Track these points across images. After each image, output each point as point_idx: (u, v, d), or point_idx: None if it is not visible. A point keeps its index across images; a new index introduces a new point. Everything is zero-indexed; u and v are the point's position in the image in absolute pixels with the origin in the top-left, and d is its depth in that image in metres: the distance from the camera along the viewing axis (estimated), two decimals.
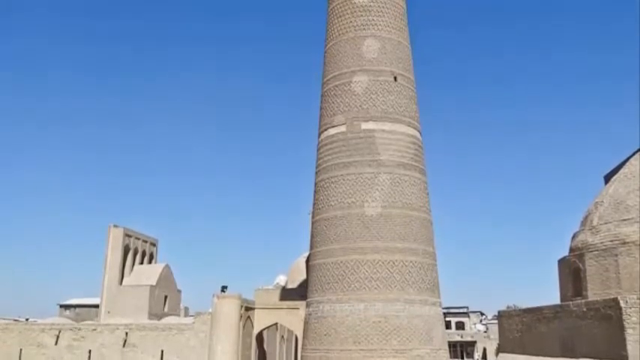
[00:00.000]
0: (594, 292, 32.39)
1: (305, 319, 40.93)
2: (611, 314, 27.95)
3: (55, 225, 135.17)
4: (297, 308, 46.10)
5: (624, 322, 27.03)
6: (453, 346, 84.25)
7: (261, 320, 49.46)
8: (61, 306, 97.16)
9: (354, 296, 37.47)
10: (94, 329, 50.22)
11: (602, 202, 35.29)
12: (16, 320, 74.78)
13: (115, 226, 58.27)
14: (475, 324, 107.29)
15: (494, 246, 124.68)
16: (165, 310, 61.40)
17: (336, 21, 42.88)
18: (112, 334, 49.35)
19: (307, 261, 45.23)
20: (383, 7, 42.21)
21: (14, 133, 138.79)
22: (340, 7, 42.90)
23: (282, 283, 61.54)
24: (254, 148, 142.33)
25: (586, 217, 35.78)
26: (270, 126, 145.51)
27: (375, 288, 37.32)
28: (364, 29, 41.71)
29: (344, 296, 37.73)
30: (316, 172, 41.79)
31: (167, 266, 62.07)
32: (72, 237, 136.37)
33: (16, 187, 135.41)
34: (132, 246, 59.63)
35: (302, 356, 40.24)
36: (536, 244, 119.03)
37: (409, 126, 40.96)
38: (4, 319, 73.90)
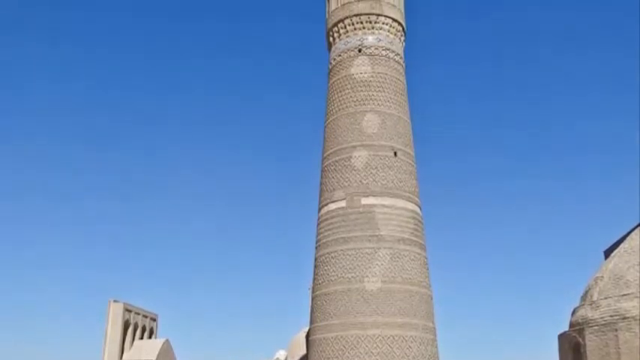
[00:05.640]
0: None
1: None
2: None
3: (55, 300, 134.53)
4: None
5: None
6: None
7: None
8: None
9: None
10: None
11: (602, 277, 35.21)
12: None
13: (115, 301, 58.08)
14: None
15: (494, 320, 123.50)
16: None
17: (336, 96, 43.50)
18: None
19: (307, 336, 45.01)
20: (383, 82, 42.86)
21: (14, 208, 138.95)
22: (340, 82, 43.57)
23: (282, 358, 60.99)
24: (254, 223, 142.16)
25: (586, 292, 35.69)
26: (270, 201, 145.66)
27: None
28: (364, 104, 42.26)
29: None
30: (316, 247, 41.92)
31: (167, 341, 61.64)
32: (71, 312, 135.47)
33: (16, 261, 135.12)
34: (132, 321, 59.32)
35: None
36: (536, 318, 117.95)
37: (409, 201, 41.21)
38: None
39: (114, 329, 57.73)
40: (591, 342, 32.86)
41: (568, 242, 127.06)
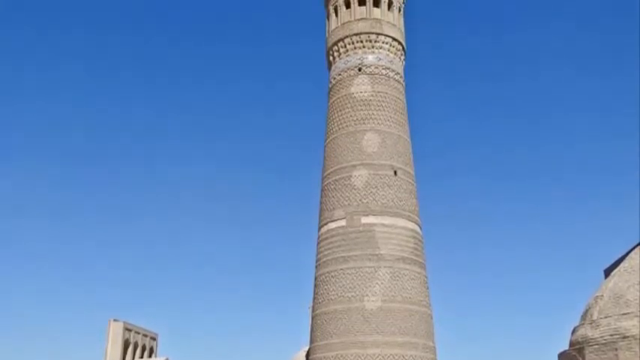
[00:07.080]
0: None
1: None
2: None
3: (54, 319, 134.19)
4: None
5: None
6: None
7: None
8: None
9: None
10: None
11: (602, 296, 35.13)
12: None
13: (115, 320, 57.98)
14: None
15: (494, 339, 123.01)
16: None
17: (336, 115, 43.48)
18: None
19: (307, 355, 44.90)
20: (383, 101, 42.85)
21: (13, 225, 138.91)
22: (340, 101, 43.57)
23: None
24: (254, 241, 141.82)
25: (586, 311, 35.61)
26: (270, 220, 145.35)
27: None
28: (364, 123, 42.24)
29: None
30: (316, 266, 41.85)
31: None
32: (71, 331, 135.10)
33: (16, 280, 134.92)
34: (132, 340, 59.20)
35: None
36: (536, 337, 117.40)
37: (409, 220, 41.16)
38: None
39: (114, 348, 57.61)
40: None
41: (568, 261, 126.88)
